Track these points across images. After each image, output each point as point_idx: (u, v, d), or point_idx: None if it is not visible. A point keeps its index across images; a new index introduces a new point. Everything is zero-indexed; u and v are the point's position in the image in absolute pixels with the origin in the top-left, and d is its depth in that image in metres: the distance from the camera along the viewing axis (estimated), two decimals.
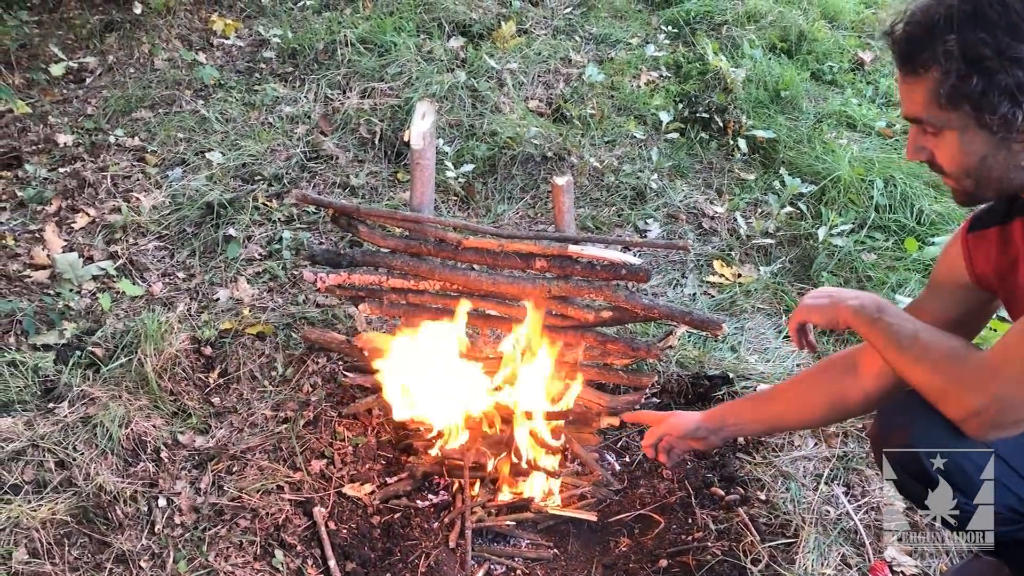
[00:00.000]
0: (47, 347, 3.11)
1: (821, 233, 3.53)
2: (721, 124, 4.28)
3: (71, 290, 3.42)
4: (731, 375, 3.01)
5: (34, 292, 3.45)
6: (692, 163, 4.21)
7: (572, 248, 2.58)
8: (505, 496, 2.62)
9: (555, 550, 2.56)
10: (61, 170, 4.26)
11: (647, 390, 2.79)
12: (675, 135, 4.26)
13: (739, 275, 3.53)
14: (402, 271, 2.78)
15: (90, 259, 3.63)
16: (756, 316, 3.34)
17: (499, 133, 4.18)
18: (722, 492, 2.65)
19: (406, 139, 2.74)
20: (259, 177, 4.03)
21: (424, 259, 2.76)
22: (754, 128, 4.24)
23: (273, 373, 3.04)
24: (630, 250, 3.18)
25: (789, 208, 3.73)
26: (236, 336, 3.15)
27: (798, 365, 3.10)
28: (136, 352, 2.93)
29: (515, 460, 2.61)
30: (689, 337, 3.13)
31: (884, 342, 1.70)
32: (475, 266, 2.81)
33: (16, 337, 3.16)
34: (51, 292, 3.40)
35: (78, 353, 3.00)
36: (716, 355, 3.12)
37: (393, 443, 2.84)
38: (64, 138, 4.48)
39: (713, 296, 3.45)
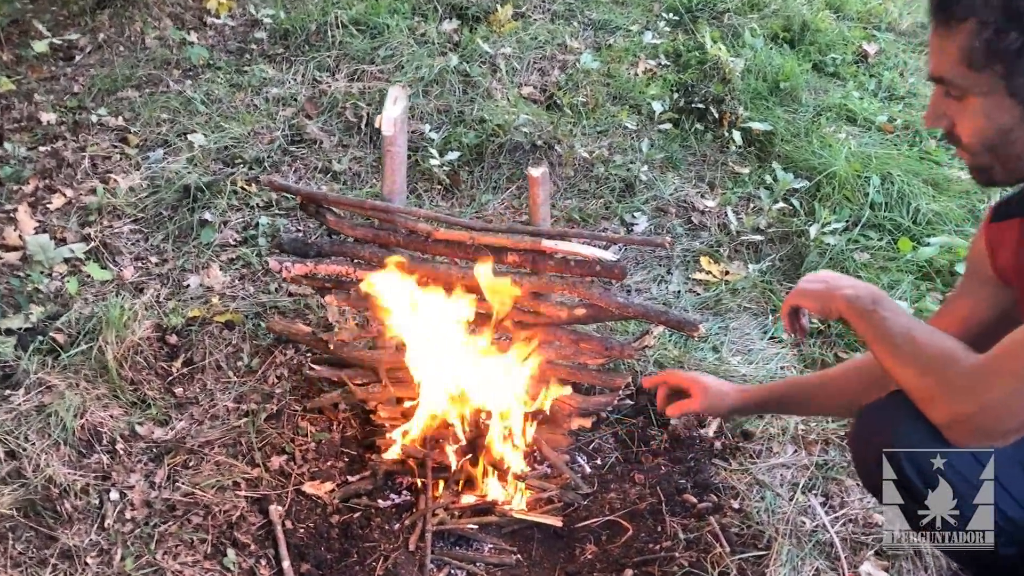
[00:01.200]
0: (10, 332, 3.03)
1: (813, 231, 3.41)
2: (717, 115, 4.15)
3: (42, 273, 3.34)
4: None
5: (3, 274, 3.37)
6: (685, 155, 4.09)
7: (545, 243, 2.49)
8: (469, 498, 2.53)
9: (518, 556, 2.46)
10: (42, 149, 4.18)
11: (620, 391, 2.68)
12: (668, 126, 4.14)
13: (727, 272, 3.42)
14: (371, 262, 2.68)
15: (63, 241, 3.55)
16: (742, 316, 3.23)
17: (488, 120, 4.07)
18: (694, 499, 2.55)
19: (377, 125, 2.63)
20: (239, 160, 3.94)
21: (394, 250, 2.66)
22: (750, 120, 4.12)
23: (239, 364, 2.95)
24: (610, 246, 3.08)
25: (781, 204, 3.61)
26: (204, 324, 3.06)
27: (781, 368, 3.00)
28: (98, 339, 2.84)
29: (480, 461, 2.51)
30: (670, 336, 3.03)
31: (875, 336, 1.60)
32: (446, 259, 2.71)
33: None
34: (21, 274, 3.32)
35: (40, 339, 2.92)
36: (697, 355, 3.02)
37: (358, 438, 2.75)
38: (47, 116, 4.40)
39: (699, 294, 3.34)
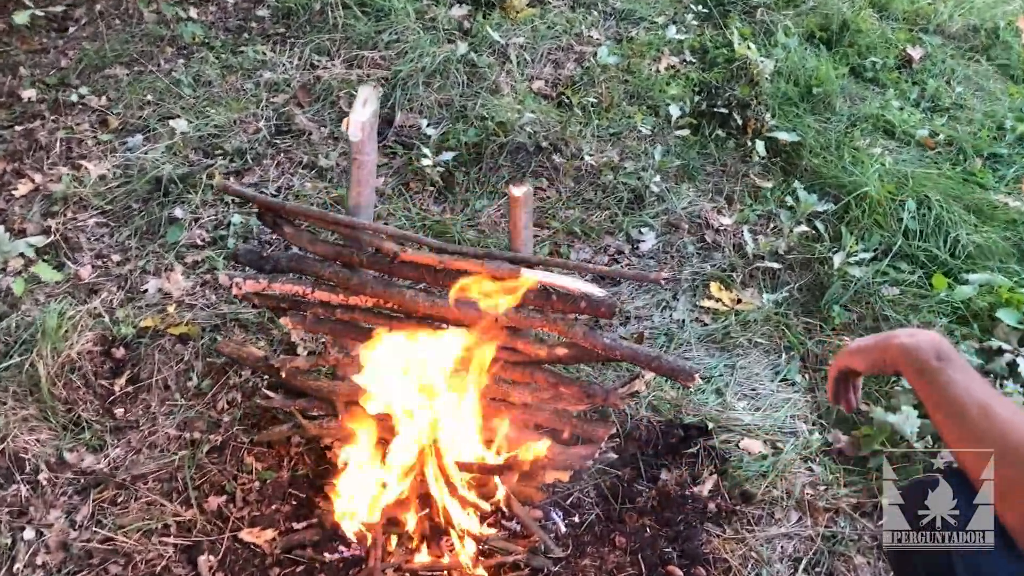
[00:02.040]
0: None
1: (837, 260, 3.06)
2: (740, 122, 3.79)
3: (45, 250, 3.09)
4: (710, 425, 2.59)
5: None
6: (704, 164, 3.74)
7: (525, 273, 2.18)
8: (423, 558, 2.24)
9: None
10: (18, 128, 3.93)
11: (603, 443, 2.37)
12: (687, 132, 3.79)
13: (739, 300, 3.08)
14: (331, 282, 2.39)
15: (23, 232, 3.30)
16: (751, 352, 2.90)
17: (491, 117, 3.74)
18: (680, 573, 2.24)
19: (344, 128, 2.32)
20: (219, 152, 3.66)
21: (357, 271, 2.37)
22: (777, 129, 3.75)
23: (188, 384, 2.68)
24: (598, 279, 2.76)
25: (804, 227, 3.26)
26: (156, 336, 2.79)
27: (792, 417, 2.67)
28: (32, 352, 2.58)
29: (434, 519, 2.22)
30: (666, 378, 2.71)
31: (939, 401, 1.32)
32: (414, 284, 2.41)
33: None
34: None
35: None
36: (697, 398, 2.70)
37: (310, 478, 2.47)
38: (28, 93, 4.14)
39: (705, 324, 3.01)
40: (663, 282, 2.19)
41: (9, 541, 2.21)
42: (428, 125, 3.77)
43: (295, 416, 2.44)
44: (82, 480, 2.38)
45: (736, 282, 3.15)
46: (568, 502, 2.45)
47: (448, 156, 3.55)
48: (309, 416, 2.50)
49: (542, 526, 2.37)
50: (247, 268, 2.43)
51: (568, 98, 3.94)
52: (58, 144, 3.74)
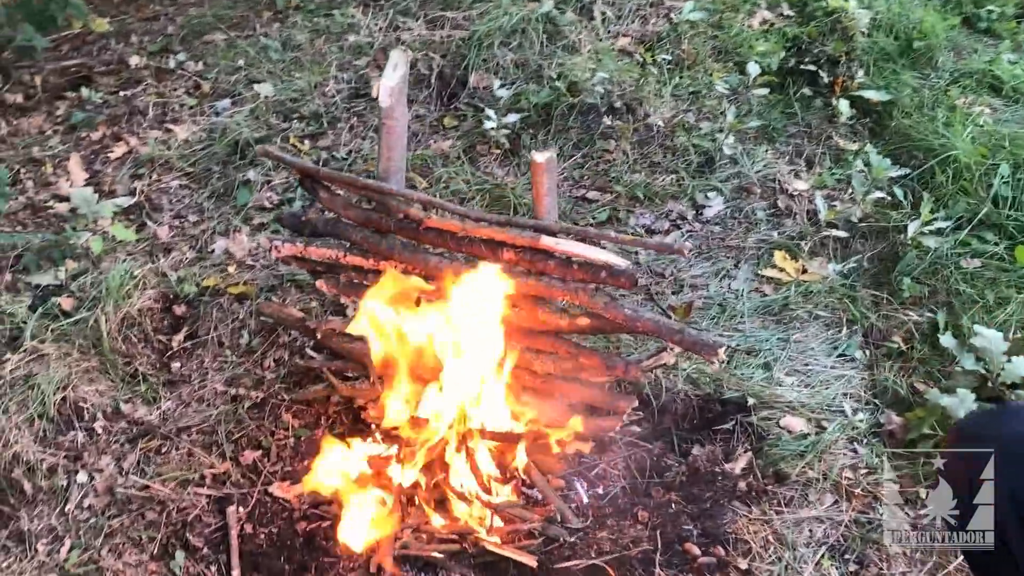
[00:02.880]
0: (39, 287, 3.00)
1: (911, 228, 2.85)
2: (828, 80, 3.57)
3: (85, 227, 3.30)
4: (750, 401, 2.49)
5: (52, 225, 3.36)
6: (787, 125, 3.55)
7: (545, 240, 2.14)
8: (439, 522, 2.27)
9: None
10: (121, 94, 4.16)
11: (626, 416, 2.32)
12: (766, 91, 3.59)
13: (804, 271, 2.93)
14: (362, 247, 2.43)
15: (112, 193, 3.50)
16: (810, 326, 2.75)
17: (565, 76, 3.67)
18: (697, 551, 2.18)
19: (374, 94, 2.34)
20: (296, 115, 3.75)
21: (386, 236, 2.39)
22: (867, 87, 3.51)
23: (241, 342, 2.79)
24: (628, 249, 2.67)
25: (880, 193, 3.04)
26: (216, 295, 2.92)
27: (844, 395, 2.53)
28: (97, 308, 2.75)
29: (452, 484, 2.24)
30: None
31: None
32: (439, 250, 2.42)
33: (14, 274, 3.08)
34: (67, 227, 3.29)
35: (52, 301, 2.87)
36: (741, 373, 2.59)
37: (345, 437, 2.53)
38: (134, 59, 4.37)
39: (765, 295, 2.88)
40: (687, 254, 2.10)
41: (65, 483, 2.39)
42: (501, 87, 3.74)
43: (329, 377, 2.51)
44: (134, 430, 2.53)
45: (804, 251, 2.99)
46: (593, 473, 2.41)
47: (514, 118, 3.51)
48: (344, 377, 2.56)
49: (564, 496, 2.35)
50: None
51: (647, 56, 3.81)
52: (152, 109, 3.94)
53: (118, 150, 3.74)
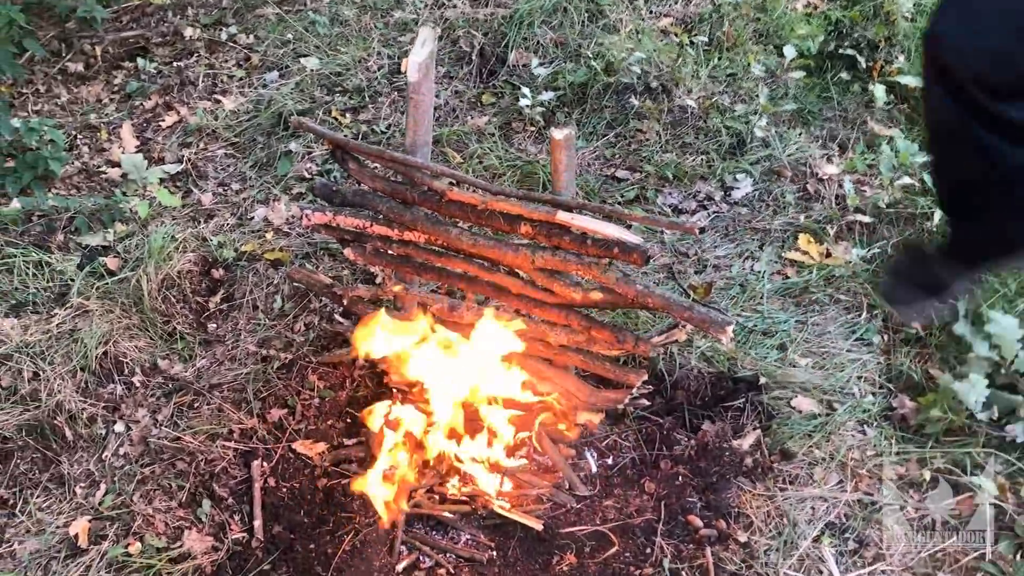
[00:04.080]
0: (88, 248, 3.15)
1: (937, 215, 2.84)
2: (867, 64, 3.54)
3: (134, 192, 3.45)
4: (763, 380, 2.53)
5: (104, 189, 3.52)
6: (823, 109, 3.54)
7: (561, 215, 2.20)
8: (454, 483, 2.36)
9: (493, 553, 2.28)
10: (175, 64, 4.30)
11: (635, 389, 2.37)
12: (801, 74, 3.58)
13: (827, 255, 2.94)
14: (388, 218, 2.51)
15: (161, 160, 3.65)
16: (829, 309, 2.77)
17: (603, 55, 3.71)
18: (700, 523, 2.24)
19: (403, 70, 2.41)
20: (339, 89, 3.85)
21: (411, 207, 2.48)
22: (905, 73, 3.48)
23: (274, 306, 2.91)
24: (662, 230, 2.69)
25: (909, 180, 3.03)
26: (252, 260, 3.04)
27: (858, 378, 2.55)
28: (139, 268, 2.89)
29: (465, 447, 2.33)
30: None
31: None
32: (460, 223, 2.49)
33: (66, 234, 3.24)
34: (118, 192, 3.45)
35: (99, 260, 3.02)
36: (757, 352, 2.63)
37: (367, 401, 2.63)
38: (189, 32, 4.51)
39: (787, 278, 2.90)
40: (697, 233, 2.14)
41: (104, 432, 2.53)
42: (539, 65, 3.79)
43: (352, 342, 2.61)
44: (169, 385, 2.67)
45: (829, 235, 3.00)
46: (604, 444, 2.49)
47: (548, 96, 3.56)
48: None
49: (573, 465, 2.42)
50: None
51: (685, 37, 3.82)
52: (202, 80, 4.08)
53: (169, 119, 3.89)
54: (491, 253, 2.36)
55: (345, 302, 2.64)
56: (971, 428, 2.31)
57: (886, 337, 2.68)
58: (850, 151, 3.32)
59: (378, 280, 2.95)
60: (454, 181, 2.38)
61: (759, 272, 2.91)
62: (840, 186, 3.16)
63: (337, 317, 2.78)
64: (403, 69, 2.45)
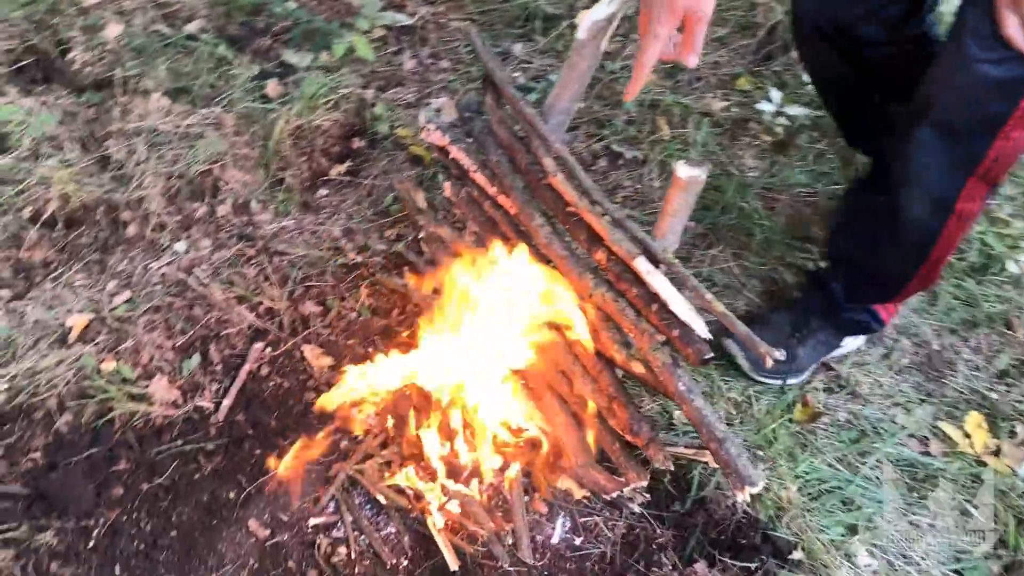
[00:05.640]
0: (281, 64, 3.12)
1: None
2: None
3: (367, 30, 3.35)
4: (797, 555, 2.02)
5: (338, 14, 3.45)
6: None
7: (640, 263, 1.81)
8: (409, 472, 2.13)
9: (403, 562, 2.05)
10: None
11: (626, 488, 1.96)
12: None
13: (996, 452, 2.27)
14: (492, 171, 2.22)
15: (400, 8, 3.51)
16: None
17: None
18: None
19: (577, 21, 2.05)
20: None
21: (515, 173, 2.17)
22: None
23: (382, 202, 2.73)
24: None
25: None
26: (399, 147, 2.87)
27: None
28: (286, 107, 2.81)
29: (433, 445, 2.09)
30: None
31: None
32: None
33: (274, 41, 3.23)
34: (347, 23, 3.37)
35: (273, 80, 2.98)
36: (815, 517, 2.10)
37: (401, 339, 2.44)
38: None
39: (926, 453, 2.28)
40: (769, 363, 1.66)
41: (165, 244, 2.53)
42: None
43: (406, 278, 2.40)
44: (248, 230, 2.61)
45: (1017, 435, 2.30)
46: (584, 521, 2.12)
47: (800, 112, 2.99)
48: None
49: (535, 523, 2.10)
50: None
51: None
52: None
53: None
54: (558, 262, 2.02)
55: (423, 234, 2.42)
56: None
57: None
58: None
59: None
60: (563, 167, 2.03)
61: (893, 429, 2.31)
62: None
63: (422, 244, 2.57)
64: (576, 20, 2.08)
